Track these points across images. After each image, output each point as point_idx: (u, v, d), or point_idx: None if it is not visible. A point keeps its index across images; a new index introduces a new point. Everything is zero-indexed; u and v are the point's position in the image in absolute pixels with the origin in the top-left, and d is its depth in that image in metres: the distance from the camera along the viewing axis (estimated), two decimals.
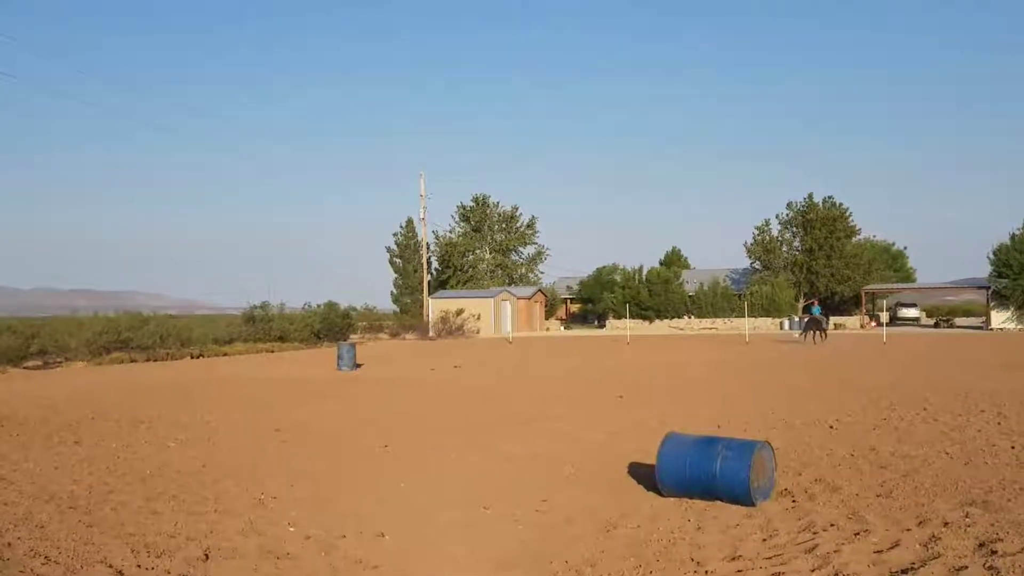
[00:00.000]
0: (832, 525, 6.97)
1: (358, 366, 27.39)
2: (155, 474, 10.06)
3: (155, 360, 33.53)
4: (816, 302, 50.72)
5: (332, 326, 47.22)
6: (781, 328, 58.89)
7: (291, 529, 7.41)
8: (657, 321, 65.03)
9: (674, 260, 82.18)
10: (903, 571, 5.71)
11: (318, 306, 49.70)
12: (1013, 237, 53.20)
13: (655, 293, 65.08)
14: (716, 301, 65.28)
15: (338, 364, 26.57)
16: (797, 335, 45.71)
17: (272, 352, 39.40)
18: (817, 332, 40.45)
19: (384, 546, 6.88)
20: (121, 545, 6.97)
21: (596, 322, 72.52)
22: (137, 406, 17.32)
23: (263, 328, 44.07)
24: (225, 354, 37.48)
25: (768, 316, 61.50)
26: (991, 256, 53.96)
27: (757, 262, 67.00)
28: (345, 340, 43.80)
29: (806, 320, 42.47)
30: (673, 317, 65.27)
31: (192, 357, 35.38)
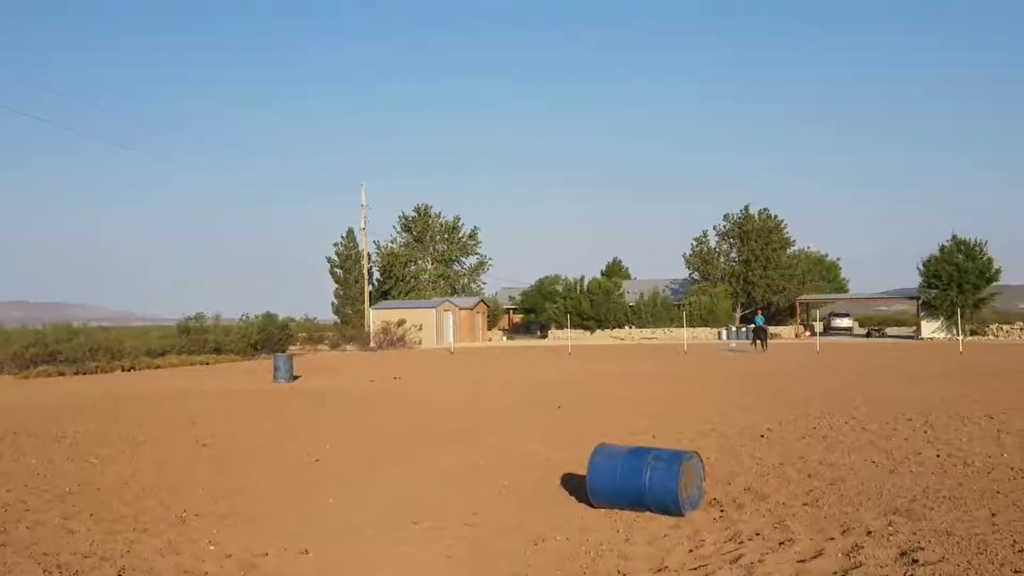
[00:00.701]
0: (758, 534, 7.00)
1: (295, 378, 26.99)
2: (75, 491, 9.74)
3: (84, 373, 32.63)
4: (760, 311, 51.51)
5: (270, 337, 46.50)
6: (719, 338, 59.61)
7: (212, 547, 7.20)
8: (598, 331, 65.38)
9: (615, 271, 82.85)
10: None
11: (256, 317, 48.98)
12: (942, 249, 54.62)
13: (596, 303, 65.44)
14: (656, 311, 65.89)
15: (274, 376, 26.13)
16: (733, 345, 46.32)
17: (207, 364, 38.62)
18: (759, 341, 41.50)
19: (307, 564, 6.72)
20: (33, 565, 6.71)
21: (538, 332, 72.65)
22: (61, 421, 16.82)
23: (198, 340, 43.26)
24: (158, 366, 36.64)
25: (707, 326, 62.23)
26: (921, 268, 55.36)
27: (696, 273, 67.90)
28: (283, 352, 43.19)
29: (752, 329, 43.26)
30: (614, 327, 65.68)
31: (123, 370, 34.52)
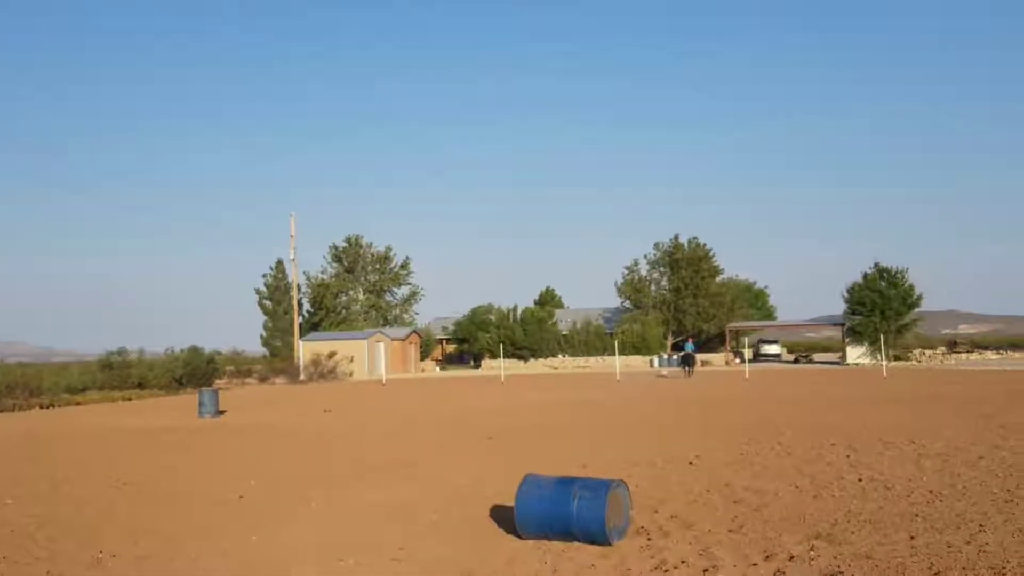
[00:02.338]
0: (683, 562, 7.09)
1: (220, 413, 26.47)
2: None
3: (0, 411, 31.51)
4: (691, 339, 52.31)
5: (196, 372, 45.52)
6: (651, 365, 60.27)
7: None
8: (532, 360, 65.55)
9: (548, 300, 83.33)
10: None
11: (181, 350, 47.93)
12: (865, 276, 56.23)
13: (529, 333, 65.66)
14: (589, 340, 66.40)
15: (199, 411, 25.60)
16: (665, 372, 46.90)
17: (130, 400, 37.61)
18: (687, 367, 42.47)
19: None
20: None
21: (472, 362, 72.50)
22: None
23: (120, 375, 42.19)
24: (78, 403, 35.56)
25: (639, 354, 62.87)
26: (845, 295, 56.88)
27: (627, 301, 68.64)
28: (209, 386, 42.32)
29: (681, 356, 44.05)
30: (547, 356, 65.94)
31: (41, 407, 33.45)
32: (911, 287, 55.18)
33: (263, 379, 53.32)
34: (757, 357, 66.94)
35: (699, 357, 59.70)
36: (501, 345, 59.96)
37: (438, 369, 68.68)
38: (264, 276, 68.90)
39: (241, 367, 54.89)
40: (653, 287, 68.43)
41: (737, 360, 59.95)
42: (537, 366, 64.66)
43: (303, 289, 70.99)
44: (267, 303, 68.66)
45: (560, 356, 66.14)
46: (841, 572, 6.54)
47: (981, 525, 8.00)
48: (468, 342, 71.95)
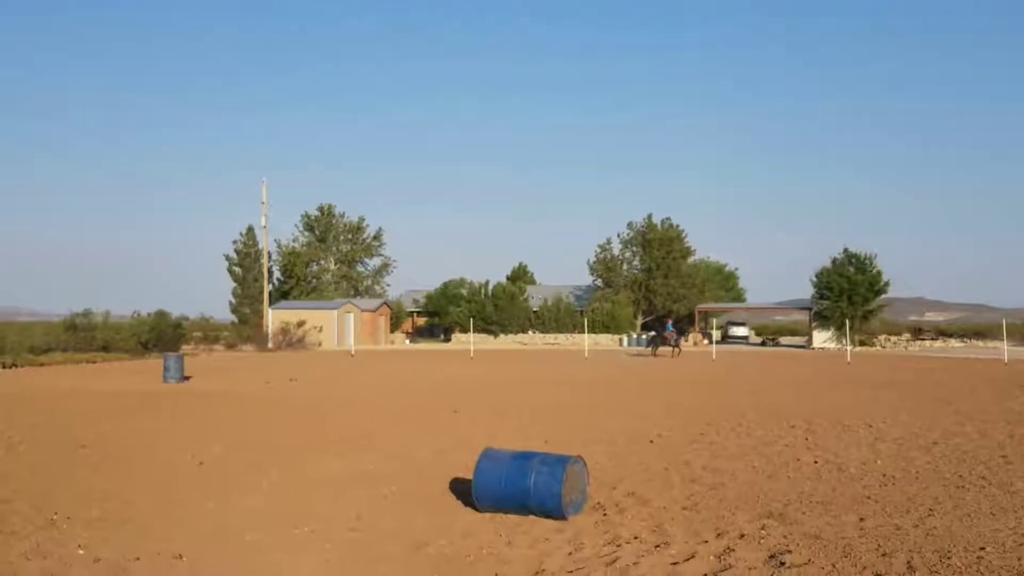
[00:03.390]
0: (636, 538, 7.18)
1: (186, 379, 26.32)
2: None
3: None
4: (669, 320, 52.52)
5: (162, 336, 45.19)
6: (620, 344, 60.63)
7: (81, 552, 6.99)
8: (502, 336, 65.73)
9: (520, 275, 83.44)
10: None
11: (148, 314, 47.52)
12: (834, 261, 56.75)
13: (501, 308, 65.81)
14: (559, 317, 66.66)
15: (164, 376, 25.44)
16: (634, 350, 47.20)
17: (94, 363, 37.31)
18: (652, 346, 42.90)
19: (180, 569, 6.58)
20: None
21: (442, 336, 72.56)
22: None
23: (85, 337, 41.78)
24: (42, 364, 35.22)
25: (608, 332, 63.21)
26: (814, 279, 57.41)
27: (599, 280, 68.90)
28: (176, 351, 42.02)
29: (665, 335, 44.23)
30: (518, 332, 66.15)
31: (3, 367, 33.08)
32: (879, 273, 55.79)
33: (231, 346, 53.03)
34: (725, 339, 67.49)
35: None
36: (472, 319, 60.04)
37: (408, 342, 68.68)
38: (235, 242, 68.43)
39: (209, 333, 54.52)
40: (625, 266, 68.72)
41: (705, 342, 60.42)
42: (507, 341, 64.83)
43: (274, 257, 70.64)
44: (237, 270, 68.17)
45: (530, 332, 66.36)
46: (789, 551, 6.65)
47: (931, 509, 8.15)
48: (439, 316, 71.98)
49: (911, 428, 14.25)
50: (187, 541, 7.35)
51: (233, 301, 68.34)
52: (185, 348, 48.05)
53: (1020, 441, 12.71)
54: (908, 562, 6.32)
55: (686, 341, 46.79)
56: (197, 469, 10.92)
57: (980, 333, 66.42)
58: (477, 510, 8.35)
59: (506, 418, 16.22)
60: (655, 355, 42.76)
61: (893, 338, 61.18)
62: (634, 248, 68.42)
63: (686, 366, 34.90)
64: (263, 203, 60.46)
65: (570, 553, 6.85)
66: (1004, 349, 41.07)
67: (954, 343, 62.00)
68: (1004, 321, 46.85)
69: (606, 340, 62.39)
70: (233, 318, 67.99)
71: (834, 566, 6.27)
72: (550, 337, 65.39)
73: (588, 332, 56.19)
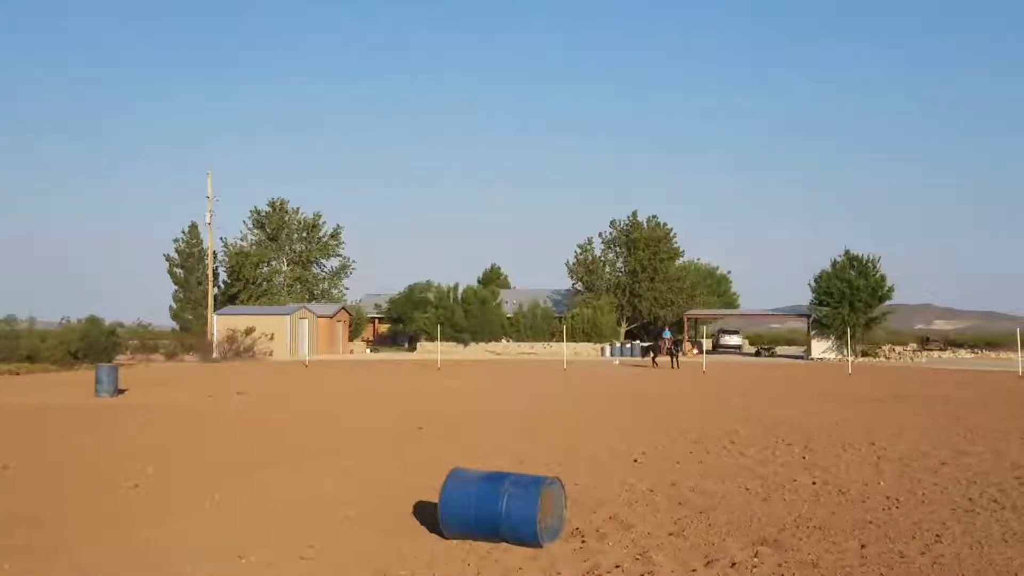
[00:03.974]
0: (618, 567, 7.20)
1: (121, 392, 26.08)
2: None
3: None
4: (668, 327, 52.82)
5: (94, 345, 44.69)
6: (603, 354, 60.77)
7: None
8: (472, 344, 65.67)
9: (493, 278, 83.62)
10: None
11: (78, 321, 47.05)
12: (835, 264, 57.10)
13: (471, 314, 65.74)
14: (536, 324, 66.69)
15: (96, 389, 25.20)
16: (617, 362, 47.33)
17: (17, 375, 36.87)
18: (667, 354, 43.17)
19: None
20: None
21: (406, 344, 72.43)
22: None
23: (8, 346, 41.27)
24: None
25: (589, 341, 63.32)
26: (813, 283, 57.71)
27: (579, 283, 69.01)
28: (110, 361, 41.62)
29: (659, 343, 44.57)
30: (490, 340, 66.10)
31: None
32: (883, 277, 56.21)
33: (171, 356, 52.58)
34: (717, 348, 67.85)
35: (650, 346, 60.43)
36: (439, 327, 59.93)
37: (368, 351, 68.50)
38: (176, 241, 67.86)
39: (147, 342, 54.00)
40: (607, 268, 68.89)
41: (695, 351, 60.70)
42: (478, 351, 64.79)
43: (220, 257, 70.09)
44: (178, 271, 67.62)
45: (503, 341, 66.35)
46: None
47: (938, 535, 8.23)
48: (403, 322, 71.82)
49: (917, 446, 14.39)
50: (121, 572, 7.27)
51: (174, 306, 67.76)
52: (120, 358, 47.57)
53: None
54: None
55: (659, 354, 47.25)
56: (132, 492, 10.81)
57: (992, 343, 67.21)
58: (443, 536, 8.32)
59: (476, 434, 16.21)
60: (656, 365, 42.96)
61: (898, 348, 61.71)
62: (617, 249, 68.64)
63: (674, 378, 35.05)
64: (208, 197, 60.17)
65: None
66: (1018, 360, 41.51)
67: (964, 354, 62.72)
68: (1019, 330, 47.42)
69: (587, 349, 62.51)
70: (174, 325, 67.42)
71: None
72: (525, 346, 65.42)
73: (567, 340, 56.27)
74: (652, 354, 44.17)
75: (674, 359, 43.48)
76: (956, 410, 20.71)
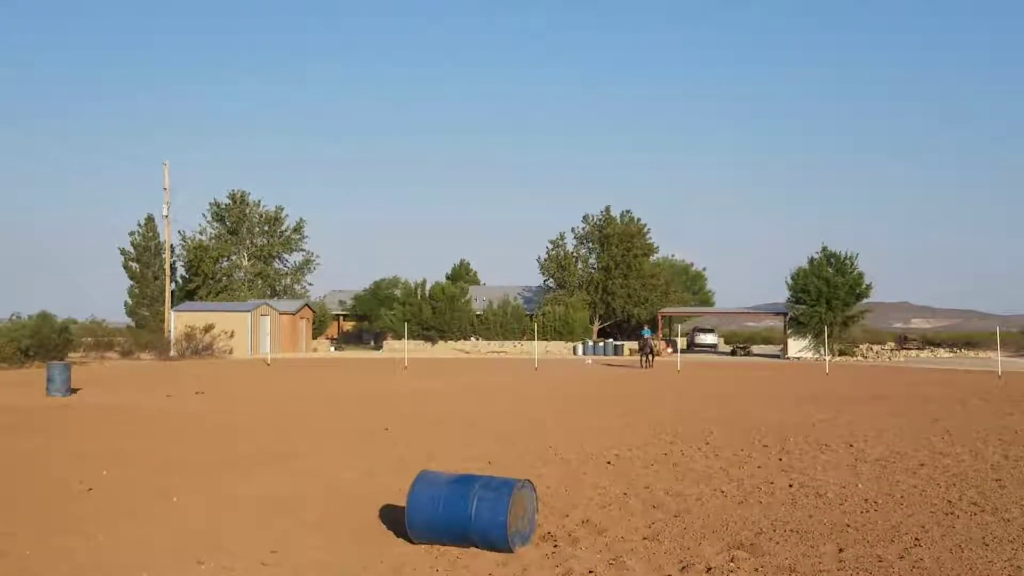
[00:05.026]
0: (591, 572, 7.21)
1: (73, 391, 25.81)
2: None
3: None
4: (646, 326, 52.74)
5: (45, 342, 44.14)
6: (575, 353, 60.91)
7: None
8: (441, 342, 65.61)
9: (462, 275, 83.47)
10: None
11: (28, 317, 46.49)
12: (812, 261, 57.47)
13: (439, 311, 65.67)
14: (506, 321, 66.73)
15: (48, 388, 24.94)
16: (589, 361, 47.44)
17: None
18: (647, 355, 43.09)
19: None
20: None
21: (372, 342, 72.21)
22: None
23: None
24: None
25: (561, 339, 63.46)
26: (789, 281, 58.04)
27: (551, 280, 69.11)
28: (61, 359, 41.18)
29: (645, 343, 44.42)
30: (459, 338, 66.07)
31: None
32: (860, 275, 56.65)
33: (126, 353, 52.08)
34: (691, 347, 68.18)
35: (627, 346, 60.57)
36: (406, 324, 59.81)
37: (333, 349, 68.21)
38: (131, 234, 67.10)
39: (101, 339, 53.44)
40: (580, 265, 69.03)
41: (669, 349, 60.96)
42: (446, 349, 64.74)
43: (177, 251, 69.46)
44: (134, 266, 66.92)
45: (473, 339, 66.33)
46: None
47: (917, 539, 8.31)
48: (369, 319, 71.62)
49: (896, 448, 14.54)
50: None
51: (129, 302, 67.08)
52: (73, 356, 47.05)
53: (1016, 463, 13.04)
54: None
55: (630, 352, 47.13)
56: (85, 495, 10.69)
57: (971, 342, 68.13)
58: (411, 541, 8.30)
59: (445, 435, 16.19)
60: (650, 366, 42.88)
61: (876, 347, 62.34)
62: (590, 245, 68.82)
63: (648, 378, 35.19)
64: (165, 189, 59.58)
65: None
66: (998, 360, 42.07)
67: (943, 353, 63.47)
68: (998, 329, 48.02)
69: (559, 348, 62.64)
70: (129, 321, 66.77)
71: None
72: (495, 344, 65.42)
73: (539, 339, 56.35)
74: (645, 355, 43.79)
75: (646, 359, 43.47)
76: (934, 411, 20.94)
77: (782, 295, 59.78)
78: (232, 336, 55.74)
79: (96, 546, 8.30)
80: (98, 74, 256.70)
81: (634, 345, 63.02)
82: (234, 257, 74.72)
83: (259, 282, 74.37)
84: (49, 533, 8.77)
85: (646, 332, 46.05)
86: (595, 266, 68.26)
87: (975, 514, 9.40)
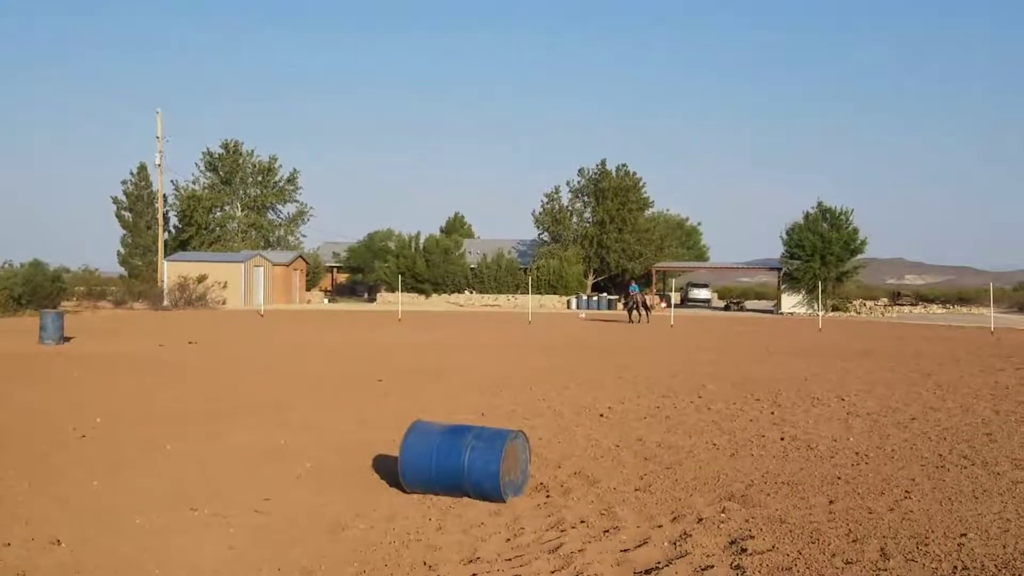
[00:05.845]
0: (582, 522, 7.26)
1: (66, 339, 25.81)
2: None
3: None
4: (634, 281, 52.57)
5: (38, 291, 44.08)
6: (569, 307, 60.99)
7: None
8: (434, 296, 65.65)
9: (456, 228, 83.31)
10: (647, 571, 6.03)
11: (21, 265, 46.37)
12: (807, 216, 57.44)
13: (433, 264, 65.59)
14: (500, 275, 66.68)
15: (40, 337, 24.94)
16: (583, 315, 47.51)
17: None
18: (637, 309, 43.06)
19: (56, 555, 6.47)
20: None
21: (366, 295, 72.24)
22: None
23: None
24: None
25: (555, 293, 63.50)
26: (784, 236, 58.05)
27: (545, 233, 68.94)
28: (54, 308, 41.12)
29: (629, 299, 44.30)
30: (452, 292, 66.11)
31: None
32: (855, 231, 56.70)
33: (119, 303, 52.07)
34: (685, 302, 68.31)
35: (620, 300, 60.57)
36: (400, 277, 59.79)
37: (326, 301, 68.23)
38: (124, 183, 66.82)
39: (94, 288, 53.40)
40: (575, 219, 68.84)
41: (663, 304, 61.08)
42: (439, 302, 64.79)
43: (170, 201, 69.20)
44: (126, 215, 66.70)
45: (467, 292, 66.37)
46: (752, 536, 6.78)
47: (907, 491, 8.37)
48: (362, 272, 71.55)
49: (887, 402, 14.61)
50: (67, 524, 7.22)
51: (122, 251, 66.96)
52: (65, 304, 47.00)
53: (1006, 417, 13.11)
54: (882, 548, 6.48)
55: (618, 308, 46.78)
56: (79, 443, 10.72)
57: (964, 298, 68.28)
58: (404, 491, 8.35)
59: (438, 386, 16.25)
60: (647, 321, 42.83)
61: (869, 303, 62.51)
62: (585, 198, 68.53)
63: (642, 332, 35.27)
64: (158, 138, 59.15)
65: (508, 539, 6.89)
66: (990, 316, 42.21)
67: (936, 309, 63.65)
68: (991, 285, 48.14)
69: (553, 302, 62.71)
70: (122, 271, 66.70)
71: (800, 553, 6.40)
72: (489, 298, 65.48)
73: (533, 292, 56.35)
74: (632, 309, 43.72)
75: (638, 311, 43.36)
76: (926, 366, 21.03)
77: (776, 250, 59.85)
78: (225, 287, 55.68)
79: (91, 492, 8.33)
80: (96, 24, 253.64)
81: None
82: (227, 207, 74.41)
83: (252, 233, 74.12)
84: (43, 480, 8.80)
85: (634, 288, 45.86)
86: (590, 220, 68.03)
87: (965, 467, 9.46)
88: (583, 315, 51.62)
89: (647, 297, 45.37)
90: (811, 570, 6.03)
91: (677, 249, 73.45)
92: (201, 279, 54.27)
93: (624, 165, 67.93)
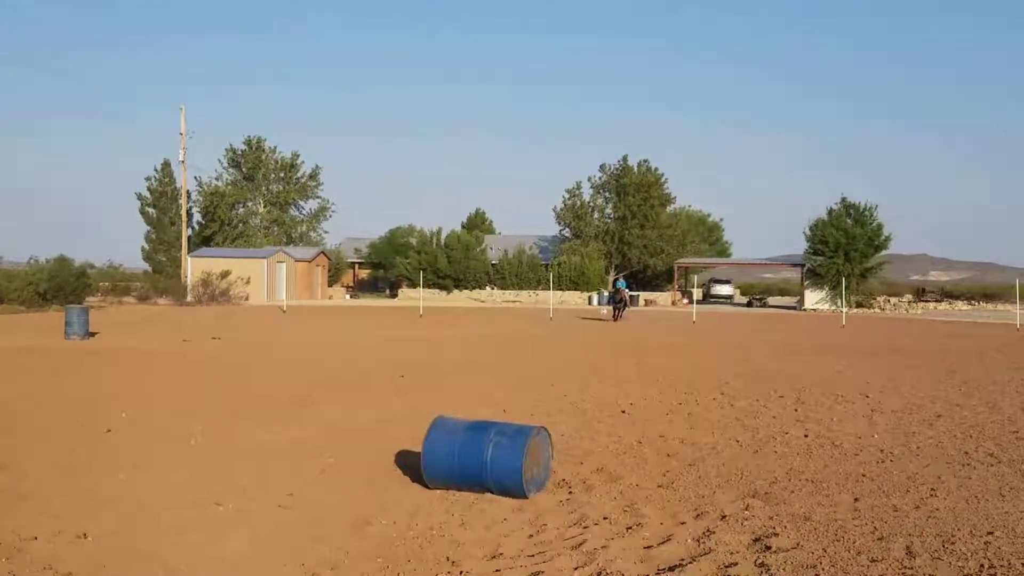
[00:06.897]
0: (605, 519, 7.25)
1: (91, 335, 26.02)
2: None
3: None
4: (621, 276, 52.20)
5: (63, 286, 44.50)
6: (589, 303, 60.91)
7: None
8: (456, 291, 65.70)
9: (478, 224, 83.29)
10: (671, 568, 6.01)
11: (47, 261, 46.79)
12: (831, 212, 57.12)
13: (454, 260, 65.66)
14: (521, 271, 66.68)
15: (66, 332, 25.15)
16: (604, 312, 47.35)
17: None
18: (616, 308, 41.46)
19: (84, 549, 6.52)
20: None
21: (388, 291, 72.39)
22: None
23: None
24: None
25: (577, 289, 63.43)
26: (807, 232, 57.75)
27: (567, 229, 68.87)
28: (80, 303, 41.46)
29: (617, 295, 43.51)
30: (474, 287, 66.15)
31: None
32: (880, 227, 56.36)
33: (143, 298, 52.44)
34: (707, 298, 68.04)
35: (643, 296, 60.46)
36: (421, 273, 59.84)
37: (348, 296, 68.44)
38: (148, 179, 67.25)
39: (118, 283, 53.82)
40: (596, 215, 68.73)
41: (685, 300, 60.88)
42: (461, 298, 64.84)
43: (194, 197, 69.54)
44: (151, 211, 67.13)
45: (488, 288, 66.40)
46: (776, 533, 6.75)
47: (933, 489, 8.31)
48: (384, 268, 71.71)
49: (912, 399, 14.51)
50: (93, 518, 7.28)
51: (146, 247, 67.42)
52: (91, 300, 47.40)
53: None
54: (907, 547, 6.44)
55: (645, 303, 45.73)
56: (105, 437, 10.81)
57: (989, 294, 67.80)
58: (426, 486, 8.36)
59: (460, 383, 16.26)
60: (624, 319, 41.28)
61: (893, 299, 62.10)
62: (607, 194, 68.42)
63: (664, 328, 35.18)
64: (181, 134, 59.47)
65: (531, 535, 6.89)
66: (1016, 312, 41.80)
67: (961, 305, 63.24)
68: (1017, 281, 47.71)
69: (574, 298, 62.65)
70: (146, 266, 67.12)
71: (825, 551, 6.36)
72: (510, 294, 65.49)
73: (554, 288, 56.29)
74: (617, 308, 41.70)
75: (617, 310, 41.39)
76: (952, 362, 20.88)
77: (800, 246, 59.58)
78: (248, 282, 55.96)
79: (117, 485, 8.39)
80: (120, 23, 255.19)
81: (650, 295, 63.13)
82: (250, 203, 74.76)
83: (275, 229, 74.50)
84: (70, 473, 8.87)
85: (621, 284, 44.95)
86: (611, 216, 67.92)
87: (992, 465, 9.39)
88: (604, 311, 51.49)
89: (615, 295, 43.57)
90: (836, 568, 5.99)
91: (699, 245, 73.23)
92: (224, 275, 54.56)
93: (646, 161, 67.86)
